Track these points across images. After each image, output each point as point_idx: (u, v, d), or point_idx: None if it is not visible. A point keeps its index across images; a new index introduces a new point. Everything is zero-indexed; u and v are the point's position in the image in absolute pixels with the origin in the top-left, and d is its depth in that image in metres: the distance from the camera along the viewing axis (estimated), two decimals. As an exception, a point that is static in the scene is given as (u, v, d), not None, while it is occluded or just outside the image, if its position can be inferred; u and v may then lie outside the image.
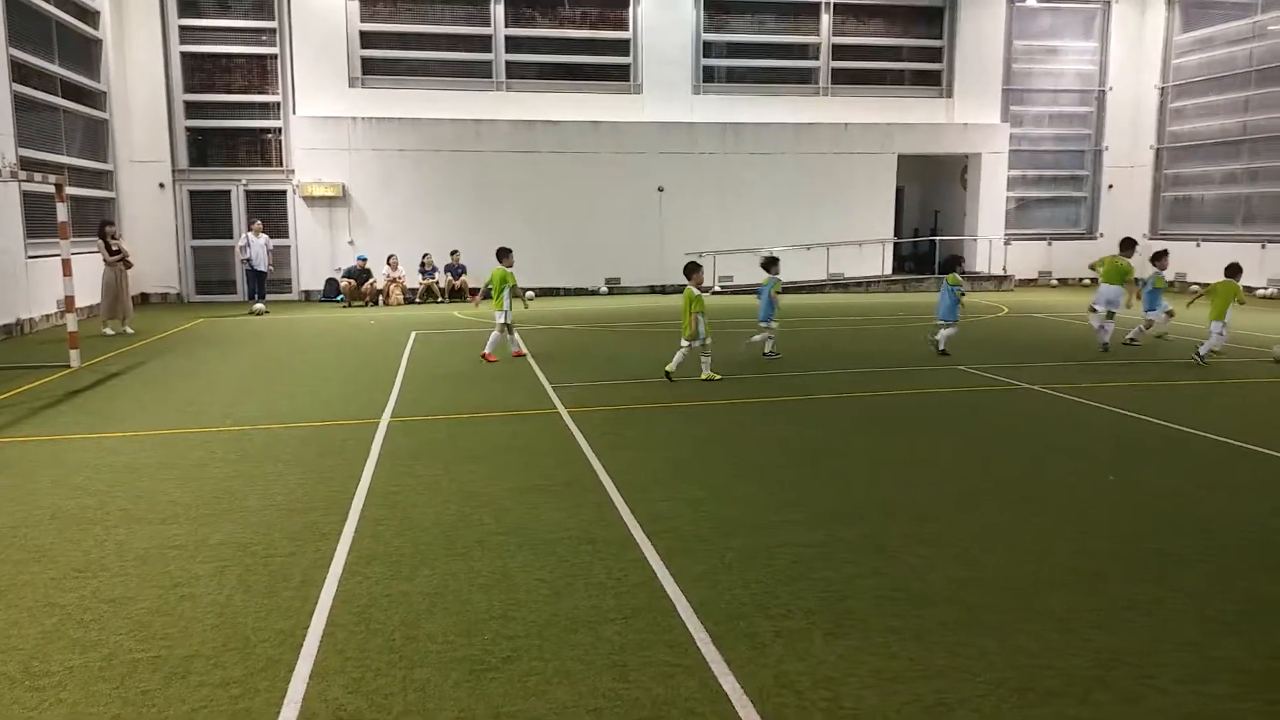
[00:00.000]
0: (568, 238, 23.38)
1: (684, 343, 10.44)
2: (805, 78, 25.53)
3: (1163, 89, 26.42)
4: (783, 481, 6.39)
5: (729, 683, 3.57)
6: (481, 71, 23.79)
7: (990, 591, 4.46)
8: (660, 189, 23.84)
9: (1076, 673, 3.65)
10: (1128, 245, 13.69)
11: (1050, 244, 27.05)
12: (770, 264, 12.63)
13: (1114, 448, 7.42)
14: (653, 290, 24.04)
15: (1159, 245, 16.00)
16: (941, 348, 12.31)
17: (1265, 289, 22.58)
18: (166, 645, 3.93)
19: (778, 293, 12.32)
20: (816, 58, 25.46)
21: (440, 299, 22.08)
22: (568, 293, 23.55)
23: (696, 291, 10.37)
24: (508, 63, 23.83)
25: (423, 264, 22.14)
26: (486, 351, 12.10)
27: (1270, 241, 22.86)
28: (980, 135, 25.53)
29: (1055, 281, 26.68)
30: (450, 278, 22.38)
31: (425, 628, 4.06)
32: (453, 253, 22.42)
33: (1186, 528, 5.41)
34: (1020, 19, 26.38)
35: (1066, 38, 26.97)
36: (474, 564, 4.82)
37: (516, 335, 12.52)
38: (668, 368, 10.47)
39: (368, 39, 23.10)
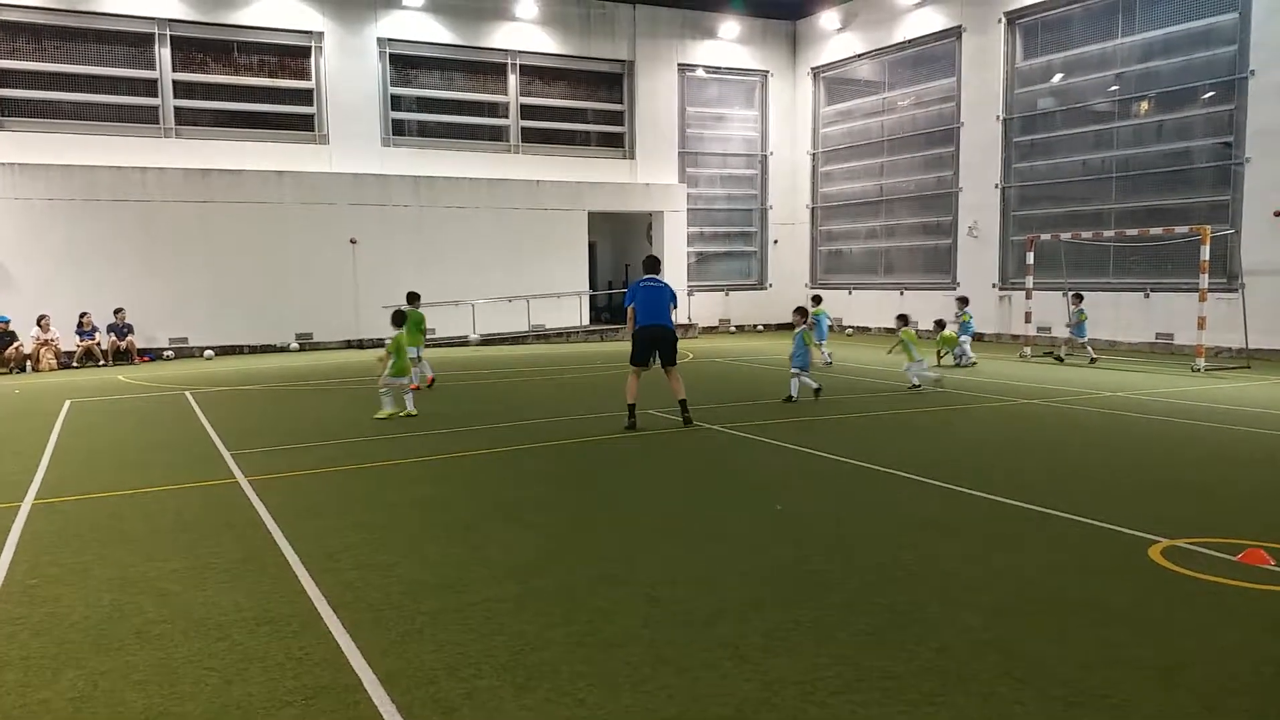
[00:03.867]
0: (253, 292, 22.05)
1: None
2: (497, 135, 26.02)
3: (814, 155, 29.62)
4: (476, 538, 6.36)
5: (416, 753, 3.48)
6: (147, 117, 22.07)
7: (672, 627, 4.69)
8: (353, 241, 23.18)
9: (747, 696, 3.91)
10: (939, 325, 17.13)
11: (728, 294, 29.26)
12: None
13: (782, 478, 8.11)
14: (349, 345, 23.20)
15: (818, 292, 18.55)
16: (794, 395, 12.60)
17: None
18: None
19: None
20: (506, 116, 26.04)
21: (103, 362, 19.95)
22: (253, 350, 22.15)
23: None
24: (177, 108, 22.27)
25: (80, 323, 19.92)
26: (415, 382, 13.10)
27: (907, 289, 26.17)
28: (661, 194, 27.25)
29: (734, 328, 28.85)
30: (114, 338, 20.30)
31: (67, 739, 3.61)
32: (117, 311, 20.38)
33: (834, 548, 6.01)
34: (691, 87, 28.58)
35: (732, 106, 29.57)
36: (130, 659, 4.34)
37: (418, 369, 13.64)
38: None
39: (6, 77, 20.70)
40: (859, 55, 27.68)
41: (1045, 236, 20.40)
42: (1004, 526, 6.55)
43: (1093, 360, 17.56)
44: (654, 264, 11.41)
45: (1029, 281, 20.02)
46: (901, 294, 26.21)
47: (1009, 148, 23.43)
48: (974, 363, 17.66)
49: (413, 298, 14.52)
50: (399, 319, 12.15)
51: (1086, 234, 19.95)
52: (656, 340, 10.70)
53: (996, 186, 23.53)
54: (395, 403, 11.66)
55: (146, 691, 4.01)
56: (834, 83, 29.29)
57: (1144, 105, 20.92)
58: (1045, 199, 22.86)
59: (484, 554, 5.95)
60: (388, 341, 11.98)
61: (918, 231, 26.57)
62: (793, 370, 12.64)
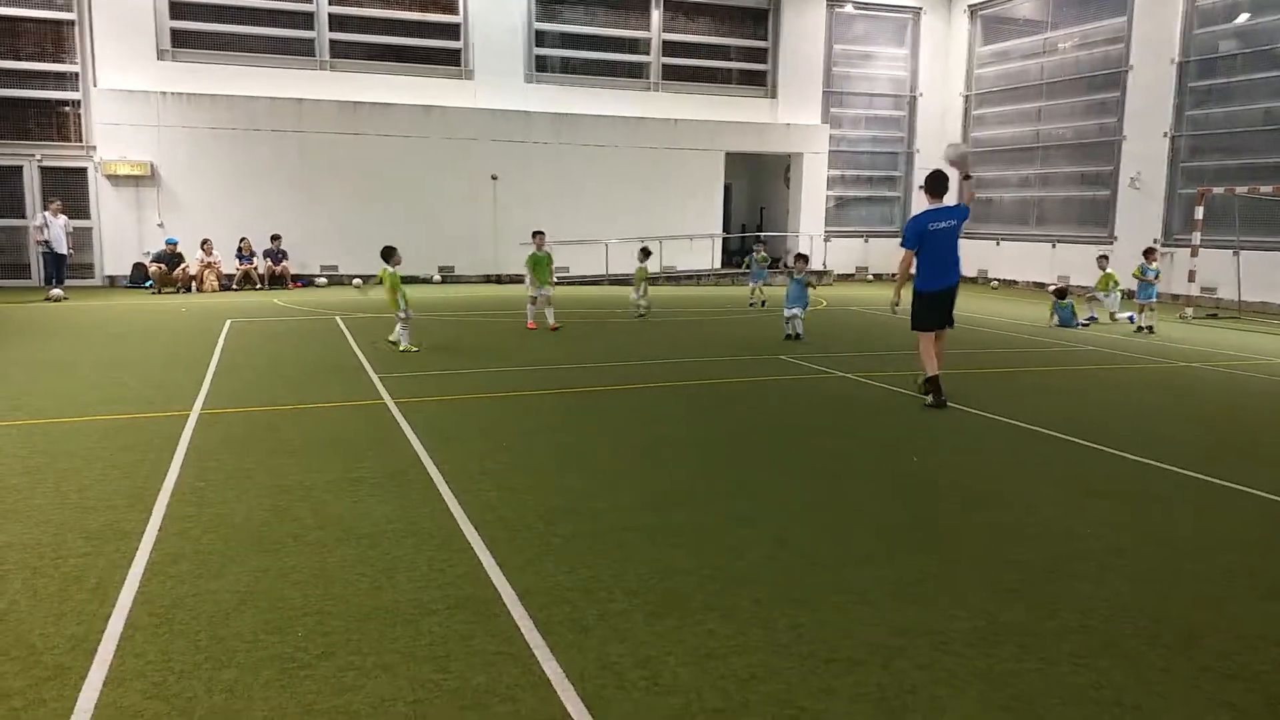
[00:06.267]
0: (398, 224, 22.70)
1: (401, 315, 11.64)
2: (637, 72, 25.83)
3: (966, 97, 28.28)
4: (610, 468, 6.48)
5: (551, 667, 3.60)
6: (303, 49, 22.83)
7: (801, 568, 4.68)
8: (494, 177, 23.58)
9: (879, 642, 3.88)
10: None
11: (867, 241, 28.48)
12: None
13: (917, 430, 7.92)
14: (488, 279, 23.77)
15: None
16: (799, 332, 13.39)
17: (1053, 285, 24.51)
18: (-63, 659, 3.60)
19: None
20: (648, 53, 25.80)
21: (259, 285, 21.08)
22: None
23: (391, 270, 11.78)
24: (331, 41, 22.97)
25: (240, 248, 21.06)
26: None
27: (1060, 241, 24.89)
28: (802, 135, 26.59)
29: (871, 276, 28.14)
30: (270, 263, 21.39)
31: (233, 627, 3.89)
32: (274, 237, 21.43)
33: (970, 503, 5.85)
34: (838, 24, 27.61)
35: (881, 44, 28.43)
36: (288, 560, 4.64)
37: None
38: (390, 338, 11.88)
39: (178, 9, 21.71)
40: (1021, -9, 26.12)
41: (1218, 190, 19.00)
42: (1157, 491, 6.23)
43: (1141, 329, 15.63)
44: (941, 184, 8.81)
45: (1196, 238, 18.74)
46: (1054, 246, 24.95)
47: (1183, 93, 21.78)
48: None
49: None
50: (388, 254, 11.90)
51: (1266, 188, 18.46)
52: (948, 302, 8.87)
53: (1165, 135, 21.96)
54: (410, 337, 11.66)
55: (304, 591, 4.28)
56: (991, 21, 27.76)
57: (1343, 48, 19.05)
58: (1220, 149, 21.21)
59: (615, 485, 6.06)
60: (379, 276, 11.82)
61: (1075, 181, 25.14)
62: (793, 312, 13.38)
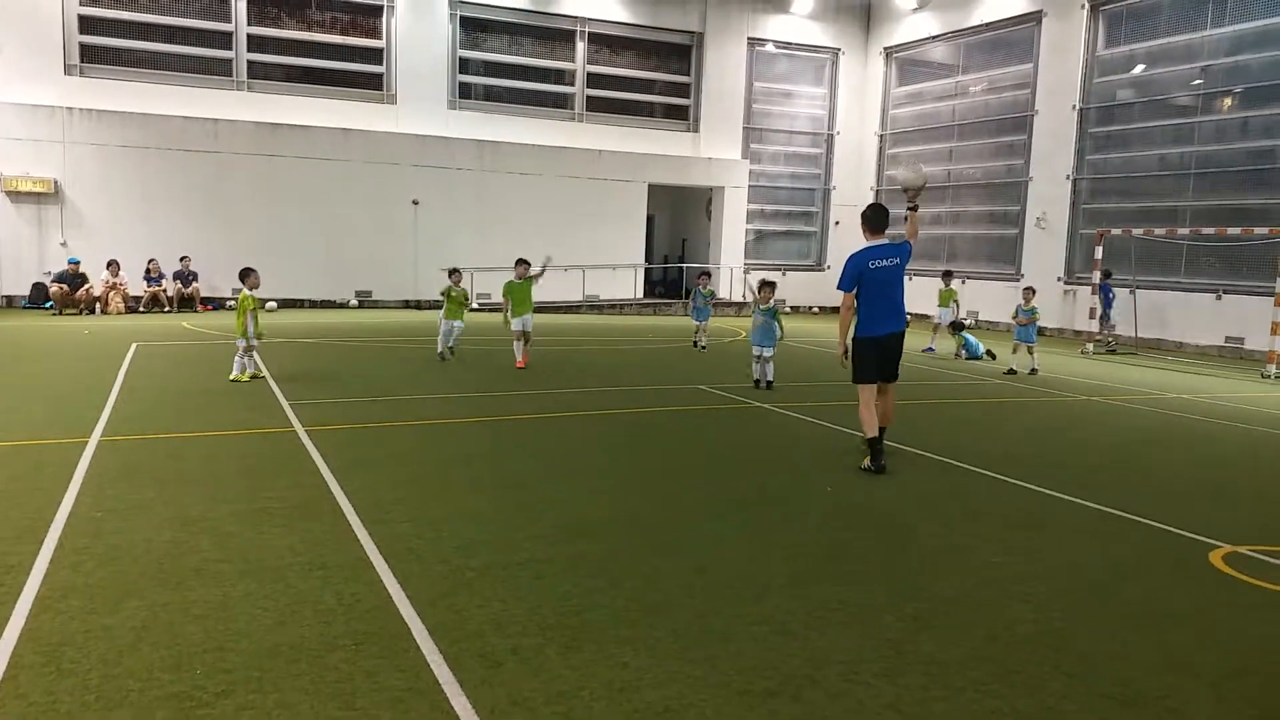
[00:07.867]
0: (315, 247, 22.36)
1: (240, 343, 10.91)
2: (561, 102, 25.97)
3: (882, 136, 29.11)
4: (527, 499, 6.41)
5: (460, 703, 3.52)
6: (221, 69, 22.37)
7: (719, 598, 4.69)
8: (415, 202, 23.36)
9: (792, 672, 3.90)
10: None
11: (784, 274, 28.93)
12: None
13: (833, 461, 8.04)
14: (407, 305, 23.46)
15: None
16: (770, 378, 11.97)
17: (965, 319, 25.23)
18: None
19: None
20: (572, 84, 25.96)
21: (168, 308, 20.42)
22: (314, 304, 22.50)
23: (248, 292, 11.05)
24: (250, 62, 22.57)
25: (148, 270, 20.39)
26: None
27: (970, 278, 25.68)
28: (723, 170, 27.02)
29: (789, 309, 28.58)
30: (180, 285, 20.75)
31: (127, 665, 3.71)
32: (182, 258, 20.81)
33: (883, 534, 5.95)
34: (760, 62, 28.21)
35: (800, 83, 29.12)
36: (188, 594, 4.46)
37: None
38: (232, 376, 10.84)
39: (88, 24, 21.09)
40: (934, 36, 27.07)
41: (1116, 231, 19.89)
42: (1059, 522, 6.42)
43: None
44: (882, 219, 8.03)
45: (1095, 276, 19.54)
46: (963, 282, 25.72)
47: (1084, 138, 22.80)
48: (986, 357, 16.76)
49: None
50: (244, 275, 11.23)
51: (1159, 231, 19.40)
52: (892, 351, 7.99)
53: (1068, 178, 22.94)
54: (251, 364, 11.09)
55: (204, 625, 4.12)
56: (906, 64, 28.71)
57: (1228, 101, 20.20)
58: (1118, 193, 22.24)
59: (533, 515, 5.99)
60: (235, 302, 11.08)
61: (983, 220, 26.04)
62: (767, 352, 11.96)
